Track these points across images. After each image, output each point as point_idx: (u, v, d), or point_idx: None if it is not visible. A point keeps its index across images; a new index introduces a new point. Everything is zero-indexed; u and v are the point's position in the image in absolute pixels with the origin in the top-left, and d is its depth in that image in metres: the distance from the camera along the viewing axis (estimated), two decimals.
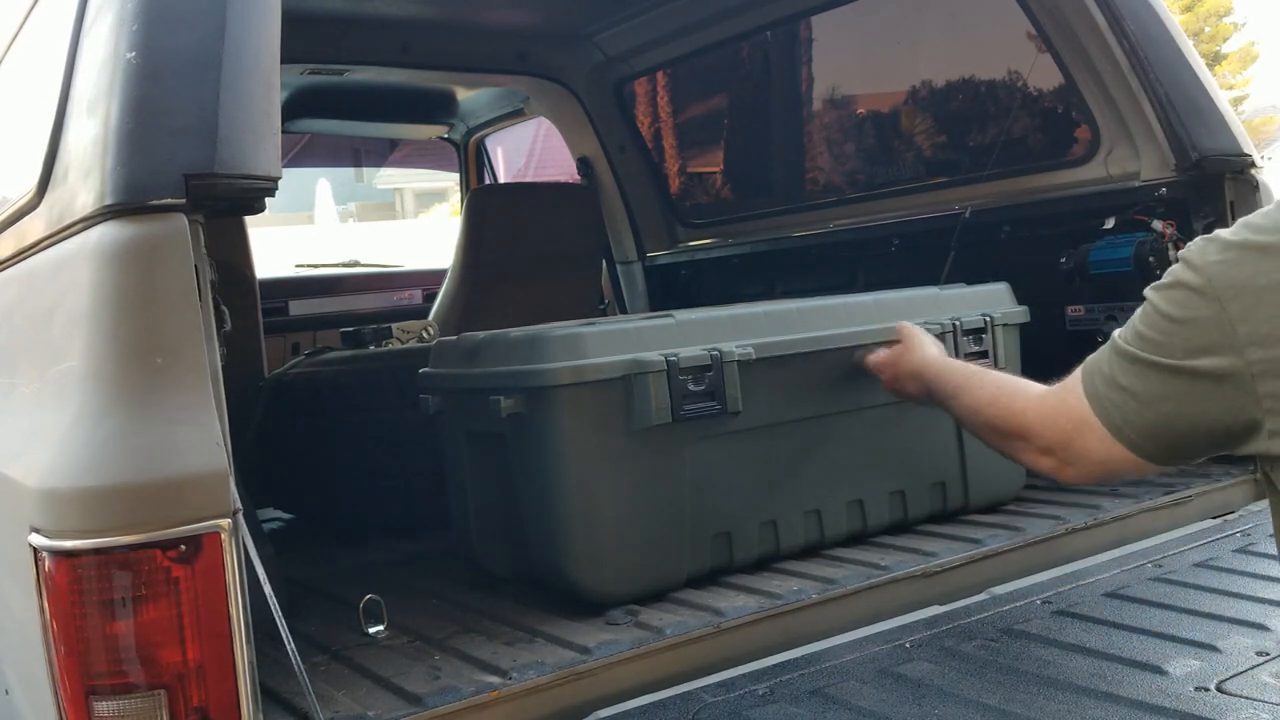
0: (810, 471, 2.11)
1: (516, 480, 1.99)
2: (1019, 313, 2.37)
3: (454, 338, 2.24)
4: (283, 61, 1.45)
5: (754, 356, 1.97)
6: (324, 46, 3.68)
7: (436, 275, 4.26)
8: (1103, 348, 1.41)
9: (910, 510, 2.24)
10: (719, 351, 1.93)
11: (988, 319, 2.29)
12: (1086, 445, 1.42)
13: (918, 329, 2.05)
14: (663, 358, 1.87)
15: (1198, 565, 1.98)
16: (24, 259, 1.66)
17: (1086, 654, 1.62)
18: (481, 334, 2.11)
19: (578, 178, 4.33)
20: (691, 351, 1.91)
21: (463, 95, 4.58)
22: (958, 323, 2.24)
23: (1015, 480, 2.35)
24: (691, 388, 1.89)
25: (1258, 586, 1.84)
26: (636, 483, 1.91)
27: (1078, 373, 1.45)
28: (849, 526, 2.17)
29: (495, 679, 1.64)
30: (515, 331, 2.00)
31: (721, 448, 1.98)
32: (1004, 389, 1.68)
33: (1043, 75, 2.82)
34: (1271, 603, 1.76)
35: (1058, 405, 1.49)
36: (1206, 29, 24.79)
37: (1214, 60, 24.05)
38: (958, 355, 2.12)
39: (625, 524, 1.91)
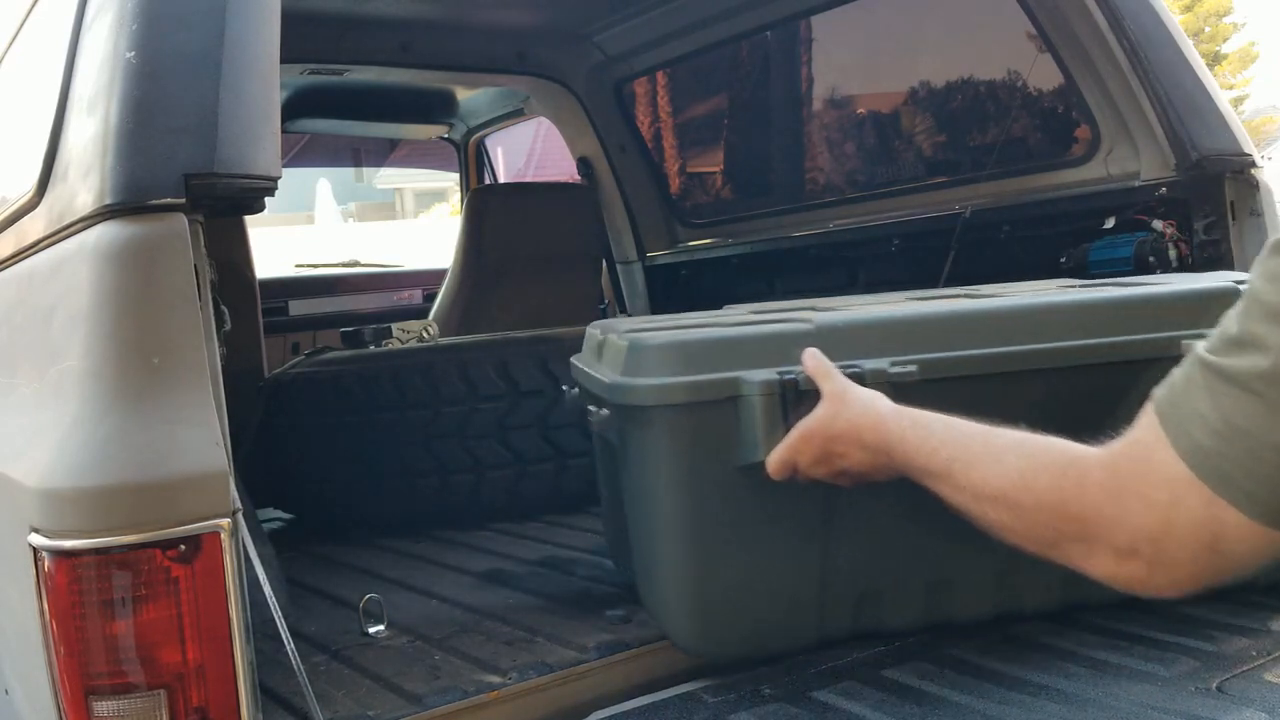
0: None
1: (626, 498, 1.74)
2: None
3: (597, 325, 1.92)
4: (283, 61, 1.45)
5: (916, 376, 1.54)
6: (324, 46, 3.68)
7: (436, 275, 4.26)
8: (1180, 372, 0.98)
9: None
10: (861, 370, 1.51)
11: None
12: (1186, 528, 0.95)
13: (837, 373, 1.46)
14: (778, 377, 1.50)
15: None
16: (24, 259, 1.66)
17: (1086, 655, 1.62)
18: (619, 324, 1.81)
19: (578, 178, 4.33)
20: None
21: (463, 95, 4.58)
22: None
23: None
24: None
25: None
26: (748, 526, 1.58)
27: (1149, 414, 0.99)
28: (1062, 596, 1.71)
29: (495, 679, 1.64)
30: (626, 328, 1.69)
31: (872, 487, 1.58)
32: (1033, 457, 1.12)
33: (1043, 75, 2.82)
34: (1272, 603, 1.76)
35: (1133, 473, 0.99)
36: (1206, 29, 24.83)
37: (1214, 60, 24.08)
38: None
39: (739, 577, 1.59)
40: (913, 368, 1.54)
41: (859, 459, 1.40)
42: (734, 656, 1.64)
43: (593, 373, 1.73)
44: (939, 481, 1.24)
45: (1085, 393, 1.60)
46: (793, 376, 1.49)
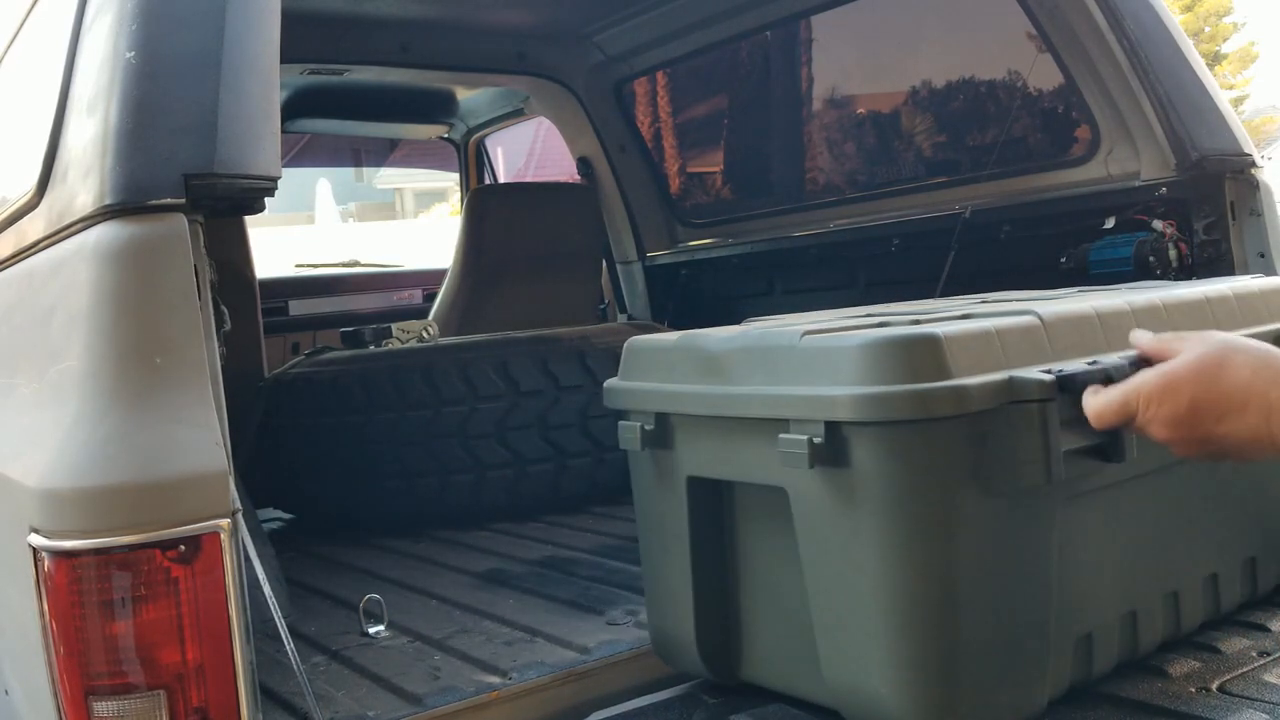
0: (1172, 536, 1.50)
1: (805, 559, 1.35)
2: None
3: (672, 335, 1.58)
4: (283, 61, 1.45)
5: None
6: (324, 46, 3.68)
7: (436, 275, 4.27)
8: None
9: (1260, 583, 1.68)
10: (1106, 369, 1.27)
11: None
12: None
13: (1198, 334, 1.21)
14: (1053, 377, 1.25)
15: None
16: (24, 259, 1.66)
17: None
18: (722, 334, 1.47)
19: (578, 178, 4.33)
20: (1075, 367, 1.29)
21: (463, 95, 4.58)
22: None
23: None
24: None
25: None
26: (999, 568, 1.29)
27: None
28: (1204, 611, 1.60)
29: (495, 679, 1.64)
30: (800, 330, 1.35)
31: (1092, 510, 1.37)
32: None
33: (1043, 75, 2.82)
34: (1272, 603, 1.76)
35: None
36: (1206, 29, 24.83)
37: (1214, 60, 24.08)
38: None
39: (979, 634, 1.28)
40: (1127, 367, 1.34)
41: (1243, 429, 1.07)
42: None
43: (750, 390, 1.36)
44: None
45: None
46: (1068, 373, 1.25)
